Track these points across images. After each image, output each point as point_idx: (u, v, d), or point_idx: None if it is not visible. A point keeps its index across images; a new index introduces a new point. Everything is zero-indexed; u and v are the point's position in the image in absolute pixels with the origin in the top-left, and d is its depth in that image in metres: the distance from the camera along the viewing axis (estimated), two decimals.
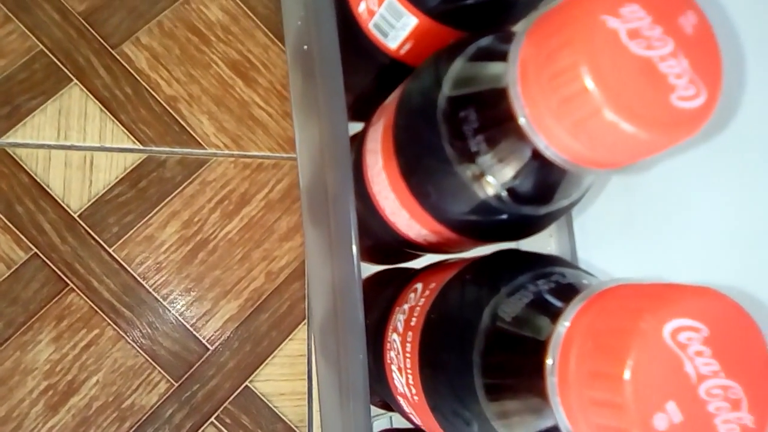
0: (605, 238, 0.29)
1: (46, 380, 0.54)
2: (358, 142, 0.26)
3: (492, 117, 0.17)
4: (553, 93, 0.15)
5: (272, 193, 0.61)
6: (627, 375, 0.13)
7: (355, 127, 0.30)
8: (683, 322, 0.13)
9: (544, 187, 0.18)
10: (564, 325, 0.15)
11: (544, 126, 0.15)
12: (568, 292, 0.17)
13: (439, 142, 0.18)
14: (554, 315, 0.16)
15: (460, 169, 0.18)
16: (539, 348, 0.16)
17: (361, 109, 0.29)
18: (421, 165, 0.20)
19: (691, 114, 0.14)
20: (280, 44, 0.64)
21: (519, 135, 0.16)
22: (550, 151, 0.16)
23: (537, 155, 0.16)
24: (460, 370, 0.18)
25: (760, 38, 0.20)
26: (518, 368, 0.17)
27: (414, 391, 0.21)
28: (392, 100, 0.22)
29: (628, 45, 0.14)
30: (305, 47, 0.27)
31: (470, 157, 0.18)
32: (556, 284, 0.18)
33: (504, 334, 0.17)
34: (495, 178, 0.18)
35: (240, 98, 0.61)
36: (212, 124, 0.60)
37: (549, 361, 0.15)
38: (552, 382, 0.15)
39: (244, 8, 0.63)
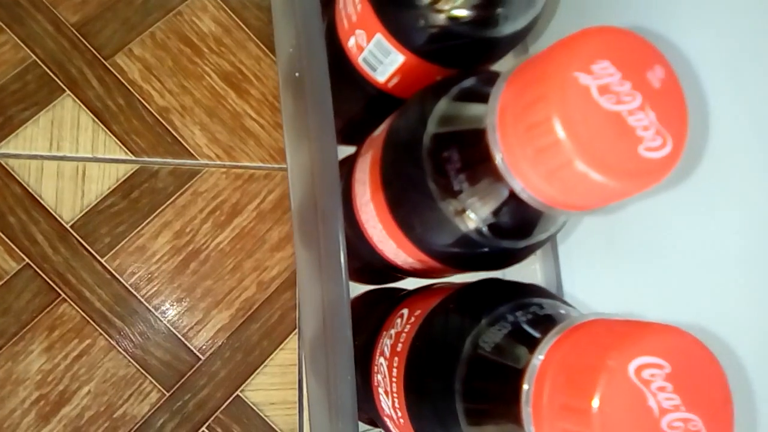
0: (589, 264, 0.30)
1: (37, 390, 0.54)
2: (347, 169, 0.26)
3: (473, 157, 0.18)
4: (529, 142, 0.16)
5: (264, 203, 0.61)
6: (594, 409, 0.14)
7: (346, 150, 0.30)
8: (647, 360, 0.14)
9: (523, 224, 0.19)
10: (539, 357, 0.16)
11: (520, 171, 0.16)
12: (545, 323, 0.18)
13: (423, 179, 0.19)
14: (531, 346, 0.17)
15: (443, 205, 0.19)
16: (517, 377, 0.17)
17: (351, 133, 0.30)
18: (407, 199, 0.21)
19: (658, 163, 0.15)
20: (272, 56, 0.64)
21: (497, 176, 0.17)
22: (525, 194, 0.17)
23: (514, 196, 0.17)
24: (443, 396, 0.19)
25: (724, 88, 0.21)
26: (497, 395, 0.18)
27: (399, 414, 0.22)
28: (380, 133, 0.23)
29: (598, 100, 0.15)
30: (297, 74, 0.27)
31: (452, 194, 0.19)
32: (534, 315, 0.19)
33: (484, 363, 0.18)
34: (476, 214, 0.19)
35: (232, 109, 0.62)
36: (204, 135, 0.60)
37: (524, 391, 0.16)
38: (527, 412, 0.16)
39: (237, 20, 0.63)
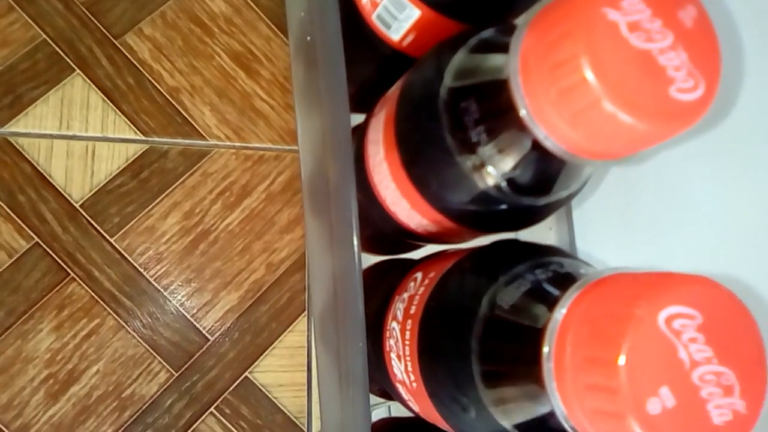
0: (604, 229, 0.30)
1: (46, 369, 0.54)
2: (359, 132, 0.26)
3: (492, 108, 0.18)
4: (553, 84, 0.15)
5: (273, 185, 0.61)
6: (621, 360, 0.13)
7: (358, 118, 0.30)
8: (678, 310, 0.13)
9: (544, 178, 0.19)
10: (561, 312, 0.15)
11: (544, 117, 0.16)
12: (565, 280, 0.17)
13: (440, 133, 0.19)
14: (551, 303, 0.16)
15: (461, 160, 0.19)
16: (536, 335, 0.16)
17: (364, 100, 0.29)
18: (422, 155, 0.20)
19: (689, 106, 0.15)
20: (282, 36, 0.64)
21: (519, 126, 0.16)
22: (549, 142, 0.16)
23: (536, 146, 0.17)
24: (458, 357, 0.18)
25: (760, 32, 0.20)
26: (515, 355, 0.17)
27: (413, 378, 0.22)
28: (394, 90, 0.23)
29: (627, 37, 0.14)
30: (308, 38, 0.27)
31: (471, 148, 0.18)
32: (554, 273, 0.18)
33: (502, 322, 0.18)
34: (495, 168, 0.18)
35: (242, 90, 0.61)
36: (214, 115, 0.60)
37: (546, 348, 0.15)
38: (548, 368, 0.15)
39: (247, 0, 0.63)
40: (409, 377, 0.22)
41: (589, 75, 0.14)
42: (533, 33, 0.16)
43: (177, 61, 0.61)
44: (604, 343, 0.13)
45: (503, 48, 0.17)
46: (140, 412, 0.55)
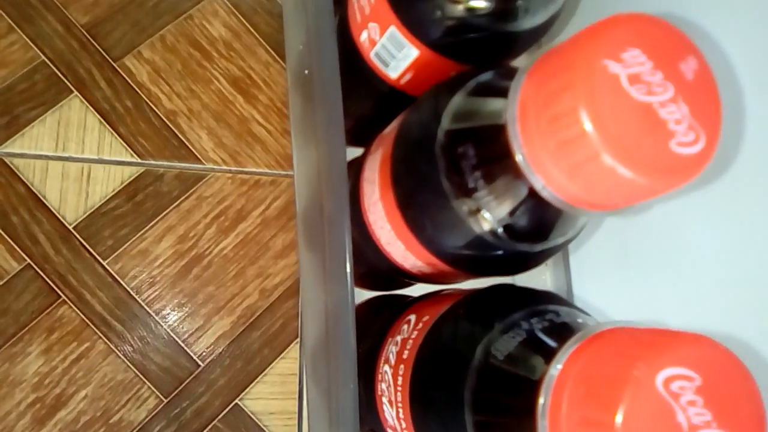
0: (601, 274, 0.29)
1: (34, 393, 0.53)
2: (355, 169, 0.26)
3: (490, 153, 0.17)
4: (551, 135, 0.15)
5: (269, 210, 0.61)
6: (618, 422, 0.13)
7: (354, 152, 0.30)
8: (676, 371, 0.13)
9: (540, 225, 0.18)
10: (557, 367, 0.15)
11: (542, 166, 0.15)
12: (562, 331, 0.17)
13: (436, 176, 0.18)
14: (548, 355, 0.16)
15: (457, 204, 0.18)
16: (532, 388, 0.15)
17: (360, 133, 0.29)
18: (418, 198, 0.20)
19: (690, 160, 0.14)
20: (281, 62, 0.64)
21: (516, 173, 0.16)
22: (546, 192, 0.16)
23: (533, 194, 0.16)
24: (451, 407, 0.18)
25: (760, 82, 0.20)
26: (510, 408, 0.17)
27: (404, 425, 0.21)
28: (391, 130, 0.22)
29: (628, 90, 0.14)
30: (306, 72, 0.27)
31: (467, 193, 0.18)
32: (551, 323, 0.18)
33: (496, 372, 0.17)
34: (491, 214, 0.18)
35: (240, 114, 0.61)
36: (211, 139, 0.60)
37: (541, 403, 0.15)
38: (543, 425, 0.15)
39: (247, 25, 0.63)
40: (400, 424, 0.21)
41: (589, 128, 0.14)
42: (533, 81, 0.16)
43: (175, 84, 0.61)
44: (601, 404, 0.13)
45: (502, 92, 0.17)
46: None
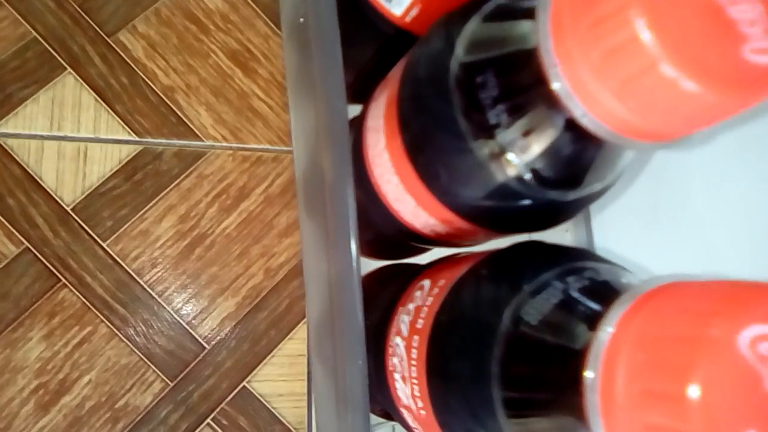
0: (625, 233, 0.27)
1: (36, 379, 0.52)
2: (357, 122, 0.23)
3: (515, 82, 0.15)
4: (594, 44, 0.12)
5: (272, 187, 0.59)
6: (694, 395, 0.10)
7: (356, 109, 0.27)
8: (764, 329, 0.10)
9: (575, 168, 0.16)
10: (607, 331, 0.12)
11: (582, 87, 0.13)
12: (605, 291, 0.14)
13: (451, 114, 0.16)
14: (592, 319, 0.13)
15: (476, 146, 0.16)
16: (574, 358, 0.13)
17: (362, 89, 0.27)
18: (430, 141, 0.17)
19: None
20: (280, 34, 0.62)
21: (549, 102, 0.13)
22: (587, 120, 0.13)
23: (570, 126, 0.14)
24: (476, 382, 0.15)
25: None
26: (547, 381, 0.14)
27: (420, 404, 0.19)
28: (397, 70, 0.20)
29: None
30: (301, 20, 0.24)
31: (488, 131, 0.15)
32: (590, 281, 0.15)
33: (529, 341, 0.15)
34: (517, 156, 0.15)
35: (239, 89, 0.60)
36: (210, 115, 0.59)
37: (588, 375, 0.12)
38: (592, 400, 0.12)
39: None
40: (416, 403, 0.19)
41: (643, 31, 0.11)
42: None
43: (172, 59, 0.59)
44: (669, 372, 0.10)
45: (525, 14, 0.15)
46: (134, 423, 0.53)
